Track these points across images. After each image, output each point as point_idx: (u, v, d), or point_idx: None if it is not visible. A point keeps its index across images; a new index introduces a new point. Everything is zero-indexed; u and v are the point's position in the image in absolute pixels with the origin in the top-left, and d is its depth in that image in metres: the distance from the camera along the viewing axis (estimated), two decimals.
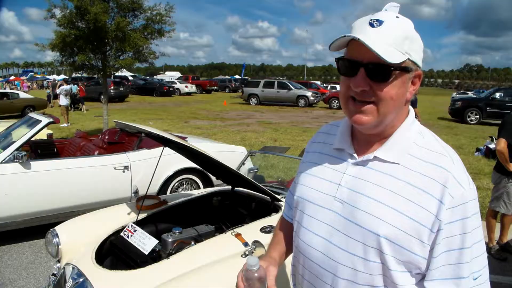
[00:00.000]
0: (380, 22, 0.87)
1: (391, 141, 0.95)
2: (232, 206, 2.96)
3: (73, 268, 2.05)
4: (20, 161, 3.70)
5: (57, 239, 2.33)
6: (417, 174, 0.89)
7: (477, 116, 16.28)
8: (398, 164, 0.92)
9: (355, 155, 0.99)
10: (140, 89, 30.40)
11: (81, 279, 1.92)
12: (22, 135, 3.99)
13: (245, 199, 2.93)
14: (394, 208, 0.88)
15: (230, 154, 4.90)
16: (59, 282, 2.12)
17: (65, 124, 12.19)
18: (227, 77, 53.76)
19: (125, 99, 24.33)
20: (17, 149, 3.76)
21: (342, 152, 1.03)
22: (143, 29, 8.49)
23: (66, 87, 13.07)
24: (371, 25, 0.87)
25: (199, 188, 4.72)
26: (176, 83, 32.81)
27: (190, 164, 4.16)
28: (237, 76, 54.32)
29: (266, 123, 14.55)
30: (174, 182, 4.63)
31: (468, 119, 16.38)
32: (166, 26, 8.74)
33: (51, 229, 2.42)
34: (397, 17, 0.90)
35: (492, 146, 8.76)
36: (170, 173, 4.53)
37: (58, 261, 2.34)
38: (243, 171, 3.45)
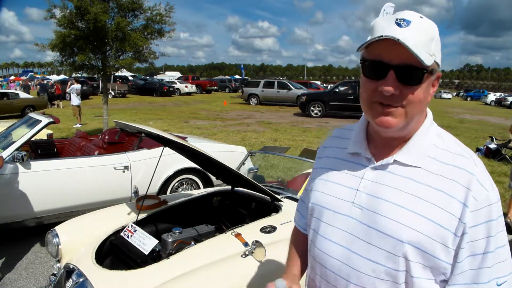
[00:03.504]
0: (407, 22, 0.82)
1: (411, 144, 0.91)
2: (232, 206, 2.96)
3: (73, 268, 2.05)
4: (20, 161, 3.70)
5: (57, 239, 2.33)
6: (439, 177, 0.86)
7: (320, 109, 17.14)
8: (419, 167, 0.89)
9: (373, 159, 0.95)
10: (140, 89, 30.39)
11: (81, 279, 1.92)
12: (22, 135, 3.99)
13: (245, 199, 2.93)
14: (417, 213, 0.85)
15: (230, 154, 4.90)
16: (59, 282, 2.12)
17: (78, 125, 12.03)
18: (227, 77, 53.71)
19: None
20: (17, 149, 3.76)
21: (358, 156, 0.99)
22: (143, 29, 8.49)
23: (76, 86, 12.87)
24: (399, 25, 0.82)
25: (199, 188, 4.72)
26: (176, 83, 32.79)
27: (190, 164, 4.16)
28: (237, 76, 54.32)
29: (266, 123, 14.54)
30: (174, 182, 4.63)
31: (311, 113, 17.18)
32: (166, 26, 8.74)
33: (51, 229, 2.42)
34: (421, 17, 0.85)
35: (492, 146, 8.77)
36: (170, 173, 4.53)
37: (58, 261, 2.34)
38: (243, 171, 3.45)
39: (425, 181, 0.87)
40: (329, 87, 23.04)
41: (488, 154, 8.69)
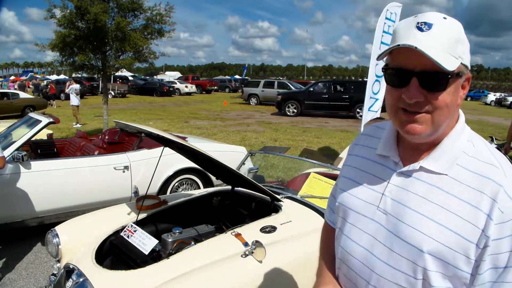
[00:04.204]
0: (429, 26, 0.80)
1: (440, 150, 0.89)
2: (232, 206, 2.96)
3: (73, 268, 2.05)
4: (20, 161, 3.70)
5: (57, 239, 2.33)
6: (465, 187, 0.84)
7: (295, 108, 17.25)
8: (446, 175, 0.87)
9: (401, 163, 0.94)
10: (140, 89, 30.40)
11: (81, 279, 1.92)
12: (22, 135, 3.99)
13: (245, 199, 2.93)
14: (440, 223, 0.84)
15: (230, 154, 4.90)
16: (59, 282, 2.12)
17: (78, 125, 12.04)
18: (227, 77, 53.73)
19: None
20: (17, 149, 3.76)
21: (387, 159, 0.97)
22: (143, 29, 8.49)
23: (75, 86, 12.91)
24: (420, 29, 0.80)
25: (199, 188, 4.72)
26: (176, 83, 32.80)
27: (190, 164, 4.16)
28: (237, 76, 54.32)
29: (266, 123, 14.55)
30: (174, 182, 4.63)
31: (287, 112, 17.36)
32: (166, 26, 8.74)
33: (51, 229, 2.42)
34: (445, 18, 0.82)
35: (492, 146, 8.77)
36: (170, 173, 4.53)
37: (58, 261, 2.34)
38: (243, 171, 3.45)
39: (451, 190, 0.85)
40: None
41: None
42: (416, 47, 0.77)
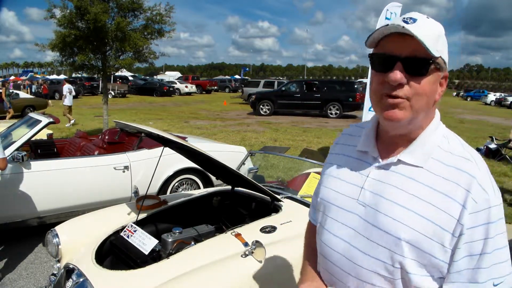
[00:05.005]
0: (414, 20, 0.86)
1: (416, 144, 0.94)
2: (232, 206, 2.96)
3: (73, 268, 2.05)
4: (20, 161, 3.70)
5: (57, 239, 2.33)
6: (440, 178, 0.89)
7: (269, 108, 17.54)
8: (422, 167, 0.91)
9: (379, 158, 0.98)
10: (140, 89, 30.39)
11: (81, 279, 1.92)
12: (22, 135, 3.99)
13: (245, 199, 2.93)
14: (416, 212, 0.88)
15: (230, 154, 4.90)
16: (59, 282, 2.12)
17: (71, 121, 12.13)
18: (227, 77, 53.72)
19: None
20: (17, 149, 3.76)
21: (366, 154, 1.02)
22: (143, 29, 8.48)
23: (68, 86, 12.98)
24: (406, 22, 0.85)
25: (199, 188, 4.72)
26: (176, 83, 32.80)
27: (190, 164, 4.17)
28: (237, 76, 54.31)
29: (266, 123, 14.55)
30: (174, 182, 4.63)
31: (261, 111, 17.57)
32: (166, 26, 8.73)
33: (51, 229, 2.42)
34: (428, 17, 0.89)
35: (492, 146, 8.77)
36: (170, 173, 4.53)
37: (58, 261, 2.34)
38: (243, 171, 3.45)
39: (427, 181, 0.89)
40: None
41: (488, 154, 8.69)
42: (403, 27, 0.83)
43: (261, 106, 17.66)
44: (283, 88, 18.37)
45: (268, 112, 17.52)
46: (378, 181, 0.95)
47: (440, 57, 0.88)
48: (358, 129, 1.10)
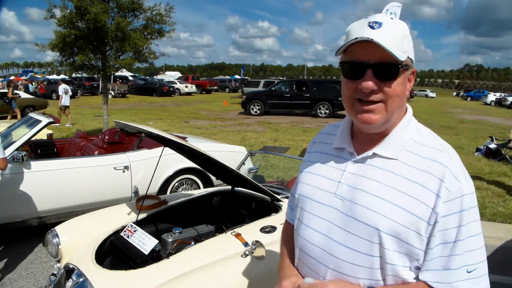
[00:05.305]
0: (379, 24, 0.89)
1: (390, 138, 0.97)
2: (232, 206, 2.96)
3: (73, 268, 2.05)
4: (20, 161, 3.70)
5: (57, 239, 2.33)
6: (415, 169, 0.92)
7: (259, 108, 17.64)
8: (396, 160, 0.94)
9: (355, 153, 1.01)
10: (140, 89, 30.40)
11: (81, 279, 1.92)
12: (22, 135, 3.99)
13: (245, 199, 2.93)
14: (393, 203, 0.90)
15: (230, 154, 4.90)
16: (59, 282, 2.12)
17: (67, 124, 12.17)
18: (227, 77, 53.74)
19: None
20: (17, 149, 3.76)
21: (342, 151, 1.05)
22: (143, 29, 8.48)
23: (64, 86, 13.01)
24: (371, 27, 0.88)
25: (199, 188, 4.72)
26: (176, 83, 32.81)
27: (190, 164, 4.16)
28: (237, 76, 54.29)
29: (266, 123, 14.54)
30: (174, 182, 4.63)
31: (251, 111, 17.66)
32: (166, 26, 8.74)
33: (51, 229, 2.42)
34: (392, 18, 0.93)
35: (492, 146, 8.76)
36: (170, 173, 4.53)
37: (58, 261, 2.34)
38: (243, 171, 3.45)
39: (402, 173, 0.92)
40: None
41: (488, 154, 8.68)
42: (372, 39, 0.86)
43: (251, 106, 17.78)
44: (273, 88, 18.46)
45: (258, 112, 17.61)
46: (355, 175, 0.98)
47: (408, 57, 0.91)
48: (335, 128, 1.13)
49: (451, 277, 0.89)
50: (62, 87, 12.85)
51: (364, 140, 1.01)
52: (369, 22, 0.89)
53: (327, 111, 16.95)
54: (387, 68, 0.89)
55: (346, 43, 0.91)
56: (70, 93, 13.28)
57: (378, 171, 0.95)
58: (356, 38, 0.88)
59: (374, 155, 0.97)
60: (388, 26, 0.89)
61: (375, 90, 0.90)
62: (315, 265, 1.01)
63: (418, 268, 0.92)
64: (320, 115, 17.01)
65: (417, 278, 0.93)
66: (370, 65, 0.89)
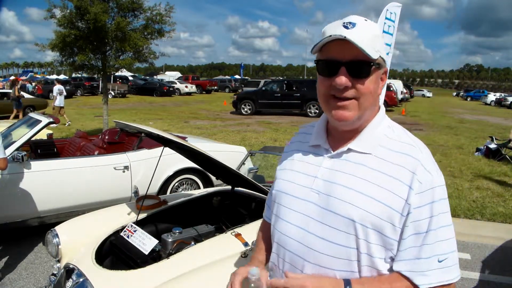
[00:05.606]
0: (353, 24, 0.92)
1: (364, 134, 1.01)
2: (232, 206, 2.96)
3: (73, 268, 2.05)
4: (20, 161, 3.70)
5: (57, 239, 2.33)
6: (388, 163, 0.95)
7: (250, 107, 17.76)
8: (370, 154, 0.98)
9: (331, 149, 1.05)
10: (140, 89, 30.39)
11: (81, 279, 1.92)
12: (22, 135, 3.99)
13: (245, 199, 2.93)
14: (367, 195, 0.93)
15: (230, 154, 4.90)
16: (59, 282, 2.12)
17: (57, 124, 12.14)
18: (227, 77, 53.69)
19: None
20: (17, 149, 3.76)
21: (318, 148, 1.08)
22: (143, 29, 8.48)
23: (59, 86, 13.01)
24: (346, 27, 0.92)
25: (199, 188, 4.72)
26: (176, 83, 32.80)
27: (190, 164, 4.16)
28: (237, 76, 54.31)
29: (266, 123, 14.55)
30: (174, 182, 4.63)
31: (242, 110, 17.82)
32: (166, 26, 8.73)
33: (51, 229, 2.42)
34: (365, 20, 0.96)
35: (492, 146, 8.76)
36: (170, 173, 4.53)
37: (58, 261, 2.34)
38: (243, 171, 3.45)
39: (375, 166, 0.96)
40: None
41: (488, 154, 8.68)
42: (345, 37, 0.89)
43: (242, 106, 17.86)
44: (264, 88, 18.50)
45: (249, 111, 17.68)
46: (331, 170, 1.01)
47: (380, 56, 0.94)
48: (311, 128, 1.17)
49: (423, 266, 0.92)
50: (56, 88, 12.83)
51: (339, 137, 1.04)
52: (344, 23, 0.93)
53: (317, 111, 16.92)
54: (360, 65, 0.92)
55: (321, 41, 0.94)
56: (64, 93, 13.27)
57: (353, 165, 0.98)
58: (331, 36, 0.91)
59: (349, 150, 1.01)
60: (362, 27, 0.92)
61: (349, 86, 0.93)
62: (292, 258, 1.03)
63: (392, 259, 0.96)
64: (310, 114, 17.02)
65: (391, 269, 0.96)
66: (344, 62, 0.92)
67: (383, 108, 1.06)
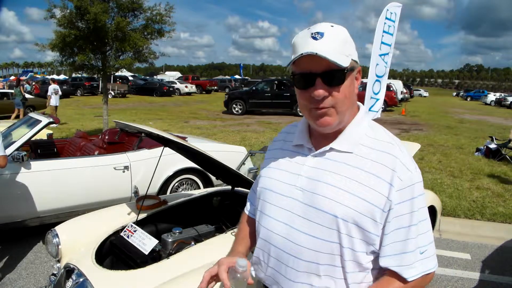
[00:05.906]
0: (321, 34, 0.96)
1: (345, 134, 1.05)
2: (232, 206, 2.96)
3: (73, 268, 2.05)
4: (20, 161, 3.70)
5: (57, 239, 2.33)
6: (369, 161, 1.00)
7: (241, 107, 17.81)
8: (351, 153, 1.02)
9: (313, 148, 1.09)
10: (140, 89, 30.37)
11: (81, 279, 1.92)
12: (22, 135, 3.99)
13: (245, 199, 2.92)
14: (349, 192, 0.98)
15: (230, 154, 4.90)
16: (59, 282, 2.12)
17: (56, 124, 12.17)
18: (227, 77, 53.68)
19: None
20: (17, 149, 3.76)
21: (301, 147, 1.12)
22: (143, 29, 8.47)
23: (54, 86, 13.01)
24: (314, 38, 0.95)
25: (199, 188, 4.72)
26: (176, 83, 32.78)
27: (190, 164, 4.16)
28: (237, 76, 54.30)
29: (266, 123, 14.55)
30: (174, 182, 4.63)
31: (233, 110, 17.84)
32: (166, 26, 8.72)
33: (51, 229, 2.42)
34: (332, 26, 0.99)
35: (492, 146, 8.76)
36: (170, 173, 4.53)
37: (58, 261, 2.34)
38: (243, 171, 3.45)
39: (357, 164, 1.00)
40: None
41: (488, 154, 8.68)
42: (316, 53, 0.92)
43: (233, 106, 17.87)
44: (254, 88, 18.52)
45: (240, 111, 17.70)
46: (314, 168, 1.05)
47: (352, 59, 0.99)
48: (293, 127, 1.21)
49: (410, 259, 0.98)
50: (51, 87, 12.82)
51: (321, 137, 1.08)
52: (312, 34, 0.96)
53: None
54: (333, 74, 0.96)
55: (294, 59, 0.97)
56: (60, 93, 13.27)
57: (335, 164, 1.02)
58: (302, 53, 0.94)
59: (331, 149, 1.05)
60: (329, 35, 0.96)
61: (326, 96, 0.97)
62: (278, 253, 1.07)
63: (373, 253, 1.01)
64: (300, 113, 16.94)
65: (373, 261, 1.01)
66: (318, 74, 0.96)
67: (362, 107, 1.10)
